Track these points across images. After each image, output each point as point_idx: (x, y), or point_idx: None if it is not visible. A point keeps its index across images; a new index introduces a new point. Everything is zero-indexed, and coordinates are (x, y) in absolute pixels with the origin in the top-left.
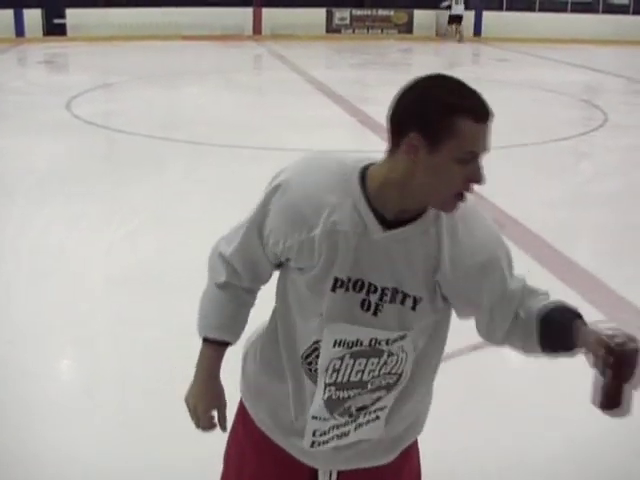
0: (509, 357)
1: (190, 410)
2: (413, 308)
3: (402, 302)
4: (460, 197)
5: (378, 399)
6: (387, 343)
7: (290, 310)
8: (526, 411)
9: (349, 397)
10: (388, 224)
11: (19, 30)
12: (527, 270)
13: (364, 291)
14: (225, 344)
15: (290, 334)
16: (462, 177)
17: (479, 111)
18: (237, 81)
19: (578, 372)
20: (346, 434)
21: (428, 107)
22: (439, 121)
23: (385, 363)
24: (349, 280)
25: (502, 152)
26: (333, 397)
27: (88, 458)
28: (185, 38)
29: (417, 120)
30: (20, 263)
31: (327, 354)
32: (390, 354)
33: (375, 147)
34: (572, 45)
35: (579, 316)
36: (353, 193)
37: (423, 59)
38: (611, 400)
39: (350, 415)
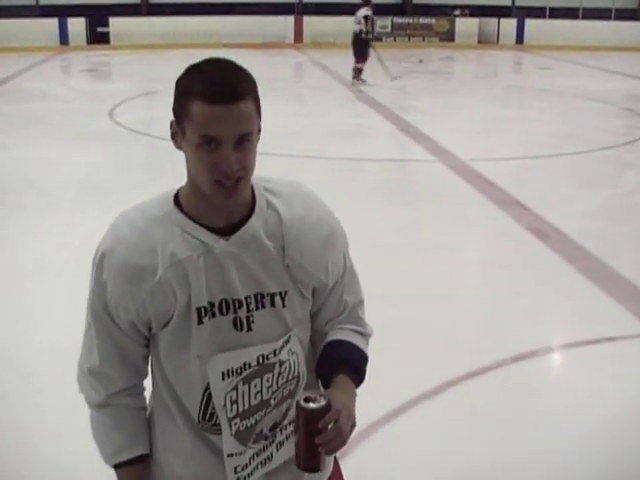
0: (551, 368)
1: None
2: (284, 305)
3: (272, 304)
4: (220, 184)
5: (287, 410)
6: (275, 354)
7: (170, 382)
8: (571, 422)
9: (257, 422)
10: (226, 233)
11: (63, 39)
12: None
13: (231, 310)
14: (140, 460)
15: (182, 406)
16: (210, 164)
17: (210, 93)
18: (278, 89)
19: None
20: (269, 458)
21: (175, 92)
22: (179, 105)
23: (280, 374)
24: (212, 305)
25: (545, 161)
26: (241, 429)
27: None
28: (226, 46)
29: (173, 106)
30: (63, 271)
31: (219, 390)
32: (281, 363)
33: (416, 155)
34: (615, 53)
35: (356, 366)
36: (175, 219)
37: (464, 67)
38: (305, 460)
39: (265, 438)
